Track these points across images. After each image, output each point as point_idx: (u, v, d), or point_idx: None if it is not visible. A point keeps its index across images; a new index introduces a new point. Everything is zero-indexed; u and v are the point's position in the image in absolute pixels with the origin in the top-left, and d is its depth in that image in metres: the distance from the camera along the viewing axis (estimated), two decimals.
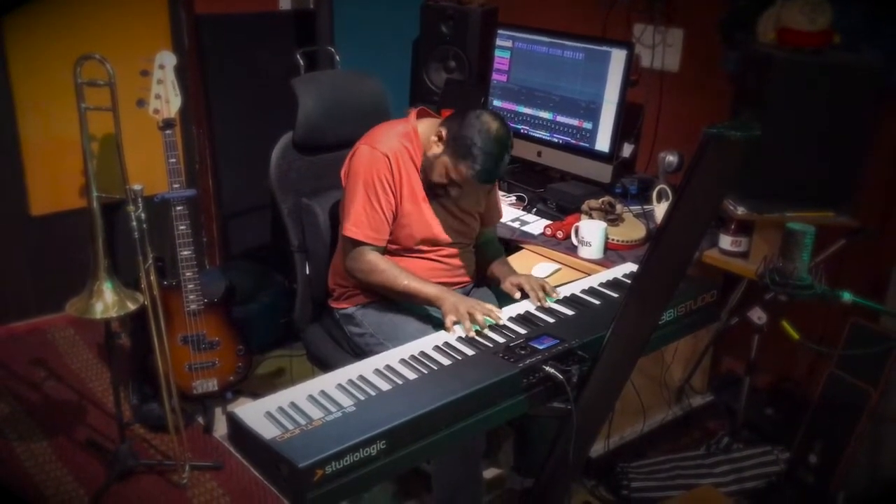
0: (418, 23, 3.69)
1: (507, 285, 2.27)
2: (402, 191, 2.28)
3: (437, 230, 2.33)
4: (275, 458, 1.44)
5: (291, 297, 2.61)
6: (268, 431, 1.49)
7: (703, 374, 3.16)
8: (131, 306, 2.52)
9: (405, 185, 2.28)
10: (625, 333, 1.69)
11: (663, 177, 2.96)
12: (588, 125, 3.07)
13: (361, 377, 1.71)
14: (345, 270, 2.34)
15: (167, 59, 2.62)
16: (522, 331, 1.94)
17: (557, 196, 3.00)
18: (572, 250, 2.68)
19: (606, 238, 2.65)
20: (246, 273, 3.57)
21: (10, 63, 3.34)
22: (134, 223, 2.46)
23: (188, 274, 2.73)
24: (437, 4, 3.60)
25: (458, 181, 2.21)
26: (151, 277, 2.57)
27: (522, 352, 1.77)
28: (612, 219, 2.76)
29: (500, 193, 2.80)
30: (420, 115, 2.37)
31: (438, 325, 2.11)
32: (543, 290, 2.13)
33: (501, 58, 3.33)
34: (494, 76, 3.36)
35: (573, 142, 3.13)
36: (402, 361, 1.79)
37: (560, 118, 3.16)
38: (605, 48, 2.98)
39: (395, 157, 2.26)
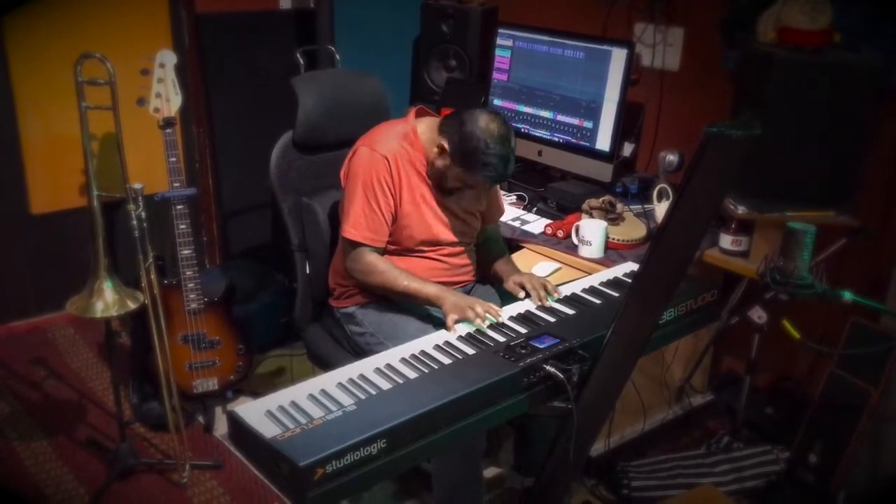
0: (419, 22, 3.69)
1: (509, 284, 2.27)
2: (402, 192, 2.28)
3: (438, 230, 2.33)
4: (275, 457, 1.44)
5: (292, 297, 2.61)
6: (268, 430, 1.49)
7: (703, 373, 3.16)
8: (132, 305, 2.52)
9: (404, 187, 2.28)
10: (625, 333, 1.69)
11: (664, 176, 2.96)
12: (588, 124, 3.07)
13: (362, 376, 1.71)
14: (344, 271, 2.35)
15: (167, 58, 2.62)
16: (523, 330, 1.94)
17: (558, 195, 3.00)
18: (573, 249, 2.68)
19: (607, 237, 2.65)
20: (246, 272, 3.57)
21: (11, 62, 3.34)
22: (134, 222, 2.46)
23: (188, 273, 2.73)
24: (437, 3, 3.60)
25: (475, 185, 2.26)
26: (152, 276, 2.57)
27: (523, 351, 1.77)
28: (613, 218, 2.76)
29: (501, 192, 2.80)
30: (419, 115, 2.37)
31: (439, 324, 2.11)
32: (545, 289, 2.13)
33: (502, 57, 3.33)
34: (495, 75, 3.36)
35: (574, 141, 3.13)
36: (403, 360, 1.79)
37: (560, 117, 3.16)
38: (605, 47, 2.98)
39: (394, 159, 2.26)
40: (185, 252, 2.72)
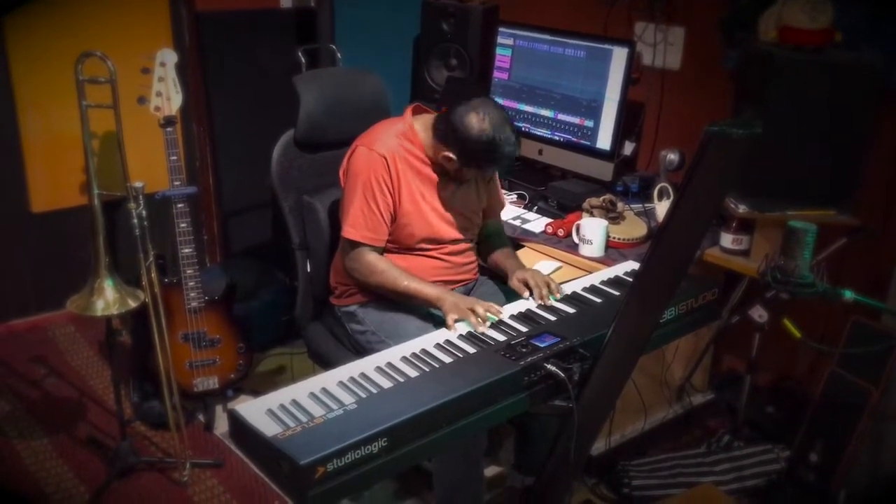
0: (419, 20, 3.69)
1: (513, 282, 2.27)
2: (401, 190, 2.28)
3: (439, 227, 2.33)
4: (276, 456, 1.44)
5: (292, 295, 2.61)
6: (269, 429, 1.49)
7: (703, 372, 3.16)
8: (132, 304, 2.52)
9: (403, 185, 2.28)
10: (626, 332, 1.69)
11: (664, 175, 2.96)
12: (589, 123, 3.06)
13: (363, 375, 1.71)
14: (344, 270, 2.35)
15: (168, 57, 2.62)
16: (524, 329, 1.94)
17: (558, 194, 3.00)
18: (573, 248, 2.68)
19: (607, 236, 2.64)
20: (247, 270, 3.57)
21: (11, 60, 3.33)
22: (135, 220, 2.46)
23: (189, 271, 2.73)
24: (438, 2, 3.60)
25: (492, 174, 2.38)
26: (152, 275, 2.57)
27: (524, 350, 1.77)
28: (614, 217, 2.76)
29: (502, 192, 2.80)
30: (415, 112, 2.37)
31: (440, 322, 2.11)
32: (548, 286, 2.13)
33: (503, 55, 3.32)
34: (496, 74, 3.36)
35: (574, 140, 3.13)
36: (404, 359, 1.79)
37: (561, 116, 3.16)
38: (606, 46, 2.98)
39: (392, 158, 2.26)
40: (186, 250, 2.72)
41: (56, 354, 3.43)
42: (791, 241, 1.88)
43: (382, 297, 2.34)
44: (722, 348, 3.21)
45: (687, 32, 3.18)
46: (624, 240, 2.69)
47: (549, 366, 1.71)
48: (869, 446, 2.51)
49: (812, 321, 2.53)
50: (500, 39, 3.32)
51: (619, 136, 3.01)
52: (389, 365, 1.76)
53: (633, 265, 2.34)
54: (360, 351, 2.33)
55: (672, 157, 2.96)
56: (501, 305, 2.09)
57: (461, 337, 1.92)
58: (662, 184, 2.85)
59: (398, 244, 2.33)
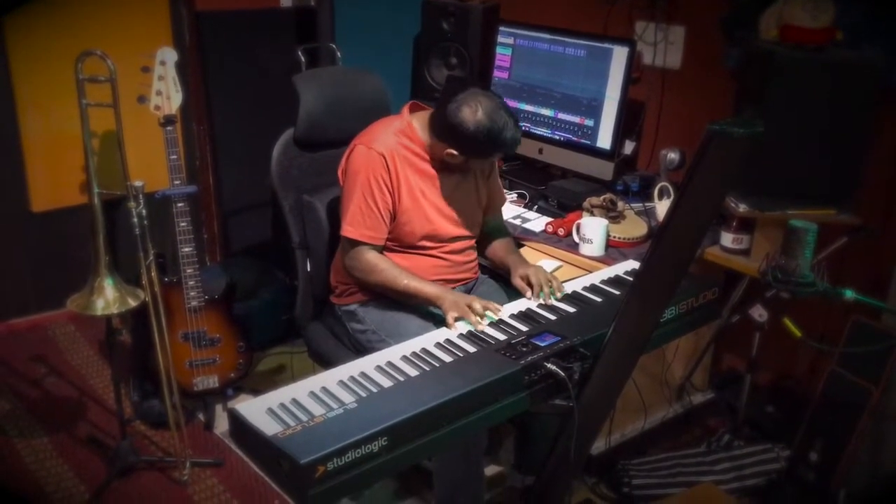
0: (419, 19, 3.68)
1: (516, 280, 2.27)
2: (400, 189, 2.27)
3: (439, 224, 2.33)
4: (276, 455, 1.44)
5: (292, 294, 2.61)
6: (269, 428, 1.49)
7: (704, 371, 3.16)
8: (132, 303, 2.52)
9: (403, 183, 2.27)
10: (626, 331, 1.69)
11: (665, 174, 2.96)
12: (589, 122, 3.06)
13: (363, 374, 1.71)
14: (344, 269, 2.35)
15: (168, 56, 2.62)
16: (524, 328, 1.94)
17: (559, 193, 2.99)
18: (574, 248, 2.68)
19: (608, 235, 2.64)
20: (247, 270, 3.57)
21: (11, 60, 3.33)
22: (135, 220, 2.46)
23: (189, 270, 2.73)
24: (438, 1, 3.59)
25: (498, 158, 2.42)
26: (152, 274, 2.57)
27: (524, 349, 1.77)
28: (614, 216, 2.76)
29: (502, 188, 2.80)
30: (413, 109, 2.37)
31: (440, 321, 2.11)
32: (550, 284, 2.13)
33: (503, 55, 3.32)
34: (496, 73, 3.36)
35: (574, 139, 3.13)
36: (404, 358, 1.79)
37: (561, 115, 3.16)
38: (606, 45, 2.98)
39: (391, 156, 2.25)
40: (186, 249, 2.72)
41: (56, 353, 3.43)
42: (791, 241, 1.88)
43: (382, 296, 2.34)
44: (722, 347, 3.21)
45: (687, 31, 3.18)
46: (624, 239, 2.69)
47: (549, 365, 1.71)
48: (869, 446, 2.51)
49: (812, 320, 2.53)
50: (500, 38, 3.32)
51: (620, 135, 3.00)
52: (390, 364, 1.76)
53: (633, 264, 2.34)
54: (361, 350, 2.33)
55: (672, 156, 2.96)
56: (502, 304, 2.09)
57: (461, 336, 1.92)
58: (663, 183, 2.84)
59: (399, 242, 2.33)
